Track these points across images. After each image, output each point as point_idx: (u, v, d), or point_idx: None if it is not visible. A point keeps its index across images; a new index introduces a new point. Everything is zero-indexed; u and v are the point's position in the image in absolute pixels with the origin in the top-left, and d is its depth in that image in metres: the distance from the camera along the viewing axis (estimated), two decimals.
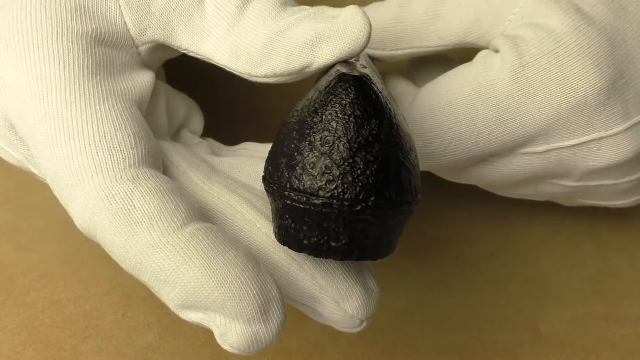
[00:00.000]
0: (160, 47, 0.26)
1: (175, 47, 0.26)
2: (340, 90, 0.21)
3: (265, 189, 0.22)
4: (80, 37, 0.24)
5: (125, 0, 0.25)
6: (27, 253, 0.33)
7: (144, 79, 0.25)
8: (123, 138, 0.23)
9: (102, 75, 0.24)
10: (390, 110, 0.21)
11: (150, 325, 0.32)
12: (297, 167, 0.20)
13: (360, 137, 0.20)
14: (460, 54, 0.32)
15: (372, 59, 0.32)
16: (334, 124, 0.20)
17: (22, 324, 0.31)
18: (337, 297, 0.23)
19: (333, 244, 0.21)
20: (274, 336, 0.22)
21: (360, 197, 0.20)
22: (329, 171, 0.20)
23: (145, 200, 0.22)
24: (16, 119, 0.24)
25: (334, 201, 0.20)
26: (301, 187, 0.20)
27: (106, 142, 0.22)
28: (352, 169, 0.20)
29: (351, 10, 0.23)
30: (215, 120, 0.32)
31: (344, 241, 0.21)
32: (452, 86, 0.28)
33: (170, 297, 0.22)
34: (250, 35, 0.24)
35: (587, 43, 0.27)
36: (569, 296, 0.34)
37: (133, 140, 0.23)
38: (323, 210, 0.20)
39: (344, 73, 0.21)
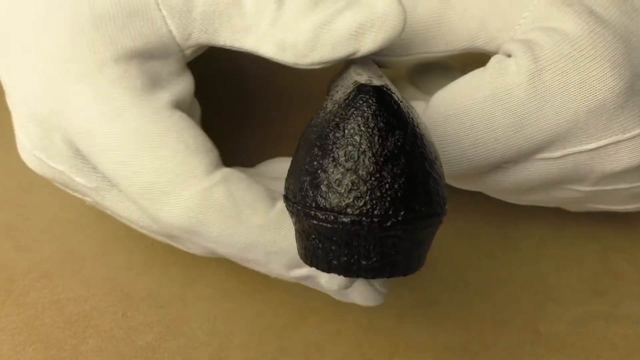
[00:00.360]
0: (203, 46, 0.27)
1: (218, 46, 0.27)
2: (361, 102, 0.20)
3: (287, 209, 0.22)
4: (133, 56, 0.25)
5: (168, 10, 0.25)
6: (27, 253, 0.33)
7: (188, 84, 0.27)
8: (202, 143, 0.26)
9: (159, 88, 0.26)
10: (412, 119, 0.20)
11: (150, 325, 0.32)
12: (322, 186, 0.20)
13: (386, 150, 0.20)
14: (459, 61, 0.32)
15: (379, 65, 0.31)
16: (357, 138, 0.20)
17: (22, 324, 0.31)
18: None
19: (364, 262, 0.20)
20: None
21: (390, 212, 0.19)
22: (356, 187, 0.19)
23: (240, 192, 0.25)
24: (83, 139, 0.25)
25: (363, 218, 0.19)
26: (328, 206, 0.20)
27: (191, 149, 0.25)
28: (380, 184, 0.19)
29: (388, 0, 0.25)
30: (212, 120, 0.32)
31: (374, 259, 0.20)
32: (467, 92, 0.28)
33: (281, 264, 0.26)
34: (294, 29, 0.25)
35: (603, 46, 0.27)
36: (569, 296, 0.34)
37: (209, 144, 0.26)
38: (352, 229, 0.20)
39: (362, 84, 0.20)
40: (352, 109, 0.20)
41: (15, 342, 0.31)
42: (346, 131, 0.20)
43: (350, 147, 0.20)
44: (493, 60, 0.29)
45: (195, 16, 0.26)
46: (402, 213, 0.20)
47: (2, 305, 0.32)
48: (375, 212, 0.19)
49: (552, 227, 0.37)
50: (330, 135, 0.20)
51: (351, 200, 0.19)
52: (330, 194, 0.20)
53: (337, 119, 0.20)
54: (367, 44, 0.25)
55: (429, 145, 0.21)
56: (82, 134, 0.25)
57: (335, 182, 0.20)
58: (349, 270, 0.20)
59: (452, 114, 0.28)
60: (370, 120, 0.20)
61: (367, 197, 0.19)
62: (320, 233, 0.20)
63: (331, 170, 0.20)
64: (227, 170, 0.26)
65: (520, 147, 0.28)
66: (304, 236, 0.21)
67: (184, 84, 0.27)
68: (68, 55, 0.25)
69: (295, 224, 0.22)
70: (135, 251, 0.34)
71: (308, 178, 0.20)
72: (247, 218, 0.25)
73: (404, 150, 0.20)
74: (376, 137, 0.20)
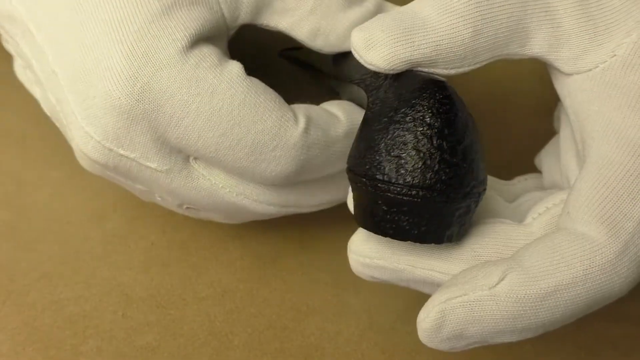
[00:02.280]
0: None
1: (257, 25, 0.30)
2: (433, 91, 0.24)
3: (354, 181, 0.25)
4: (201, 38, 0.27)
5: None
6: (27, 253, 0.33)
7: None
8: (279, 96, 0.28)
9: (228, 62, 0.28)
10: (468, 111, 0.25)
11: (150, 325, 0.32)
12: (408, 165, 0.23)
13: (458, 134, 0.24)
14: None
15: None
16: (433, 121, 0.23)
17: (22, 324, 0.31)
18: None
19: (423, 228, 0.24)
20: None
21: (468, 189, 0.24)
22: (445, 166, 0.23)
23: (320, 118, 0.29)
24: (177, 122, 0.26)
25: (449, 193, 0.24)
26: (417, 183, 0.23)
27: (279, 103, 0.27)
28: (462, 164, 0.24)
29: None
30: None
31: (428, 226, 0.24)
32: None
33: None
34: (331, 20, 0.29)
35: None
36: None
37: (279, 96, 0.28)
38: (440, 203, 0.24)
39: (431, 78, 0.24)
40: (426, 97, 0.24)
41: (15, 342, 0.31)
42: (424, 119, 0.24)
43: (425, 129, 0.24)
44: (564, 223, 0.25)
45: (243, 0, 0.29)
46: (476, 189, 0.24)
47: (2, 305, 0.32)
48: (457, 188, 0.24)
49: None
50: (403, 119, 0.24)
51: (439, 177, 0.23)
52: (417, 173, 0.23)
53: (413, 103, 0.24)
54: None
55: (477, 129, 0.25)
56: (175, 117, 0.26)
57: (407, 161, 0.23)
58: (407, 235, 0.24)
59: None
60: (443, 106, 0.24)
61: (453, 175, 0.24)
62: (409, 208, 0.24)
63: (414, 152, 0.23)
64: (300, 109, 0.28)
65: None
66: (365, 204, 0.25)
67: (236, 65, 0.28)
68: (148, 46, 0.26)
69: (357, 192, 0.25)
70: (135, 251, 0.34)
71: (394, 159, 0.24)
72: (335, 135, 0.28)
73: (471, 134, 0.24)
74: (451, 121, 0.24)
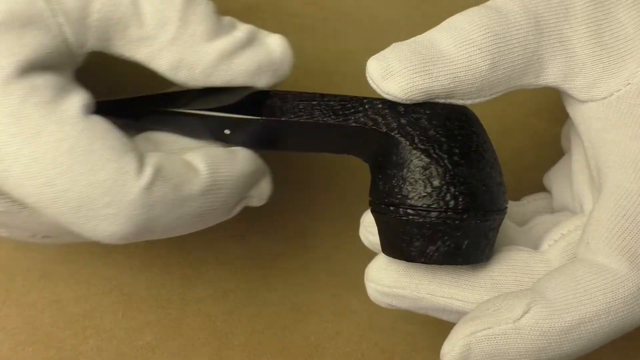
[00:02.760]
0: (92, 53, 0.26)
1: (111, 54, 0.26)
2: (453, 117, 0.25)
3: (379, 213, 0.25)
4: (35, 67, 0.24)
5: (64, 17, 0.24)
6: (27, 253, 0.33)
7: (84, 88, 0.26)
8: (125, 141, 0.25)
9: (68, 96, 0.24)
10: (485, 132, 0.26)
11: (150, 325, 0.32)
12: (433, 191, 0.24)
13: (480, 154, 0.24)
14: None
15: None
16: (454, 146, 0.24)
17: (22, 324, 0.31)
18: None
19: (478, 251, 0.25)
20: None
21: (496, 207, 0.25)
22: (470, 187, 0.24)
23: (172, 170, 0.25)
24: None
25: (477, 213, 0.24)
26: (444, 206, 0.24)
27: (119, 151, 0.24)
28: (487, 182, 0.24)
29: (284, 43, 0.27)
30: None
31: (455, 245, 0.24)
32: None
33: (223, 210, 0.27)
34: (195, 52, 0.26)
35: None
36: None
37: (126, 137, 0.25)
38: (465, 222, 0.24)
39: (456, 105, 0.25)
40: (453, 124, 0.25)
41: (15, 342, 0.31)
42: (440, 142, 0.24)
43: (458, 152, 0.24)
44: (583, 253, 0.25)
45: (91, 23, 0.25)
46: (498, 207, 0.25)
47: (2, 305, 0.32)
48: (481, 208, 0.24)
49: None
50: (423, 146, 0.24)
51: (464, 199, 0.24)
52: (426, 195, 0.24)
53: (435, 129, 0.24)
54: (260, 83, 0.26)
55: (493, 148, 0.26)
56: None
57: (433, 185, 0.24)
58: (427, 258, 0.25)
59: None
60: (463, 129, 0.25)
61: (482, 196, 0.24)
62: (417, 227, 0.24)
63: (450, 175, 0.24)
64: (152, 157, 0.25)
65: None
66: (394, 233, 0.25)
67: (83, 88, 0.25)
68: None
69: (383, 222, 0.25)
70: (135, 251, 0.34)
71: (407, 184, 0.24)
72: (189, 192, 0.25)
73: (490, 157, 0.25)
74: (474, 143, 0.25)
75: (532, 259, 0.26)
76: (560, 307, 0.23)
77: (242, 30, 0.27)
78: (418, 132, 0.24)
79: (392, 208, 0.24)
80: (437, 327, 0.32)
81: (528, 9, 0.25)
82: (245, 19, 0.31)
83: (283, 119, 0.25)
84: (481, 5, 0.26)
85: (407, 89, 0.24)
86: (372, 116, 0.25)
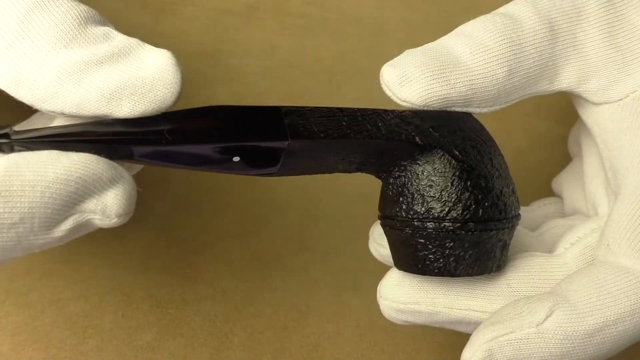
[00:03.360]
0: None
1: None
2: (476, 124, 0.25)
3: (390, 227, 0.25)
4: None
5: None
6: (27, 253, 0.33)
7: None
8: None
9: None
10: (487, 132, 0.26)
11: (150, 325, 0.32)
12: (441, 202, 0.24)
13: (494, 164, 0.24)
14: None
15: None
16: (463, 157, 0.24)
17: (22, 323, 0.31)
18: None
19: (491, 261, 0.25)
20: None
21: (509, 215, 0.24)
22: (482, 197, 0.24)
23: None
24: None
25: (490, 222, 0.24)
26: (454, 216, 0.23)
27: None
28: (497, 192, 0.24)
29: (163, 61, 0.21)
30: None
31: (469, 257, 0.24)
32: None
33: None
34: (37, 64, 0.21)
35: None
36: None
37: None
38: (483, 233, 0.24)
39: (467, 114, 0.25)
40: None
41: (15, 342, 0.31)
42: (449, 155, 0.24)
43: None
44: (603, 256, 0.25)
45: None
46: (510, 216, 0.25)
47: (2, 305, 0.32)
48: (477, 217, 0.24)
49: None
50: (429, 159, 0.24)
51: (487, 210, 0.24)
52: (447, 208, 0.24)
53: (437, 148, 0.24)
54: (122, 112, 0.21)
55: (500, 154, 0.26)
56: None
57: (442, 197, 0.24)
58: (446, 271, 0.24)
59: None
60: (468, 144, 0.24)
61: (504, 209, 0.24)
62: (427, 239, 0.24)
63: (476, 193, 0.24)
64: None
65: None
66: (406, 247, 0.24)
67: None
68: None
69: (394, 236, 0.25)
70: (135, 251, 0.34)
71: (415, 197, 0.24)
72: None
73: (501, 169, 0.25)
74: (478, 157, 0.24)
75: (548, 263, 0.26)
76: (584, 310, 0.23)
77: (112, 42, 0.22)
78: (437, 141, 0.24)
79: (398, 221, 0.24)
80: (437, 326, 0.32)
81: (542, 14, 0.25)
82: (245, 19, 0.31)
83: (313, 139, 0.22)
84: (493, 13, 0.25)
85: (424, 95, 0.24)
86: (395, 127, 0.23)
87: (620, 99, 0.25)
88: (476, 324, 0.25)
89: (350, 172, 0.25)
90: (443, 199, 0.23)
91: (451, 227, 0.23)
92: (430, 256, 0.24)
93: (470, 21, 0.25)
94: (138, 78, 0.21)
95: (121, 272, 0.33)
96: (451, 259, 0.24)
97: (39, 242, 0.21)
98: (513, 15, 0.25)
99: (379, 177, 0.25)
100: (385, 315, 0.26)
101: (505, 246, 0.25)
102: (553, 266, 0.26)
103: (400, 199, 0.24)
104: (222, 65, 0.36)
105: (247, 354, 0.31)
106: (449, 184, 0.23)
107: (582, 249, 0.26)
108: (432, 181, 0.24)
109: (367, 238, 0.28)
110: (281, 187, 0.35)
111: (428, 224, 0.23)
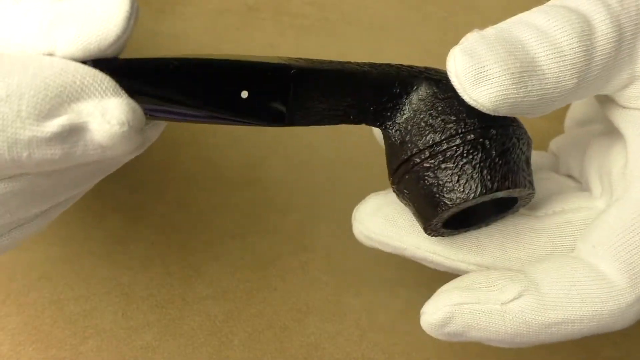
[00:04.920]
0: None
1: None
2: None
3: (411, 175, 0.24)
4: None
5: None
6: (27, 253, 0.33)
7: None
8: None
9: None
10: None
11: (150, 325, 0.32)
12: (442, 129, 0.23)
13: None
14: None
15: None
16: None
17: (22, 323, 0.31)
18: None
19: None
20: None
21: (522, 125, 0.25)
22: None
23: None
24: None
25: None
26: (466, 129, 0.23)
27: None
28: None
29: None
30: None
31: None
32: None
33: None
34: None
35: None
36: None
37: None
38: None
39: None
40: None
41: (15, 342, 0.31)
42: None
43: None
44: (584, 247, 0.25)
45: None
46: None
47: (2, 305, 0.32)
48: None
49: None
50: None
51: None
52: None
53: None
54: (64, 43, 0.19)
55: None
56: None
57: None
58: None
59: None
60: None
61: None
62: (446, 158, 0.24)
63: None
64: None
65: None
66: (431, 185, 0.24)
67: None
68: None
69: (417, 181, 0.24)
70: (135, 251, 0.34)
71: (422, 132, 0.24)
72: None
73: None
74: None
75: (522, 224, 0.26)
76: (549, 303, 0.23)
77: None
78: (425, 70, 0.24)
79: (425, 155, 0.23)
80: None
81: (614, 19, 0.22)
82: (246, 19, 0.31)
83: (316, 67, 0.22)
84: (565, 7, 0.23)
85: (498, 100, 0.21)
86: (385, 66, 0.24)
87: None
88: (439, 266, 0.26)
89: (354, 121, 0.24)
90: (458, 116, 0.23)
91: (474, 137, 0.23)
92: (462, 179, 0.23)
93: (542, 9, 0.23)
94: (80, 1, 0.19)
95: (121, 272, 0.33)
96: (484, 172, 0.23)
97: (26, 135, 0.18)
98: (587, 15, 0.22)
99: (382, 127, 0.25)
100: (355, 236, 0.27)
101: (528, 162, 0.25)
102: (525, 228, 0.26)
103: (412, 136, 0.24)
104: None
105: (247, 354, 0.31)
106: (455, 102, 0.23)
107: (563, 222, 0.26)
108: (437, 106, 0.23)
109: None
110: (281, 187, 0.35)
111: (451, 143, 0.23)
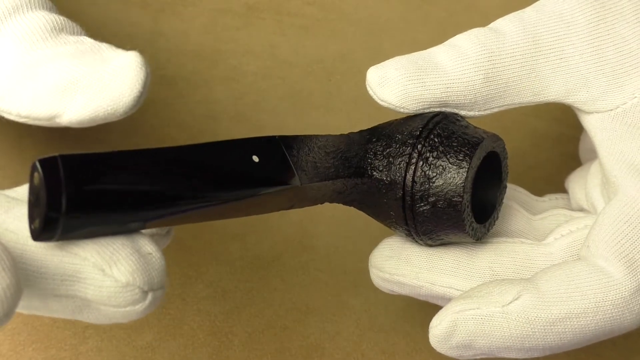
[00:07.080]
0: None
1: None
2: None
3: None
4: None
5: None
6: None
7: None
8: None
9: None
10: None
11: (150, 325, 0.32)
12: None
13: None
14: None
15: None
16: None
17: (22, 323, 0.31)
18: (101, 264, 0.20)
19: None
20: None
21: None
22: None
23: None
24: None
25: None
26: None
27: None
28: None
29: (128, 58, 0.20)
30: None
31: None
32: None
33: None
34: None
35: None
36: None
37: None
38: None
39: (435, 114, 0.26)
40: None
41: (15, 342, 0.31)
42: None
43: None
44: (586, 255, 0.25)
45: None
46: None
47: None
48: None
49: None
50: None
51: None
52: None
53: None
54: (75, 108, 0.20)
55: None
56: None
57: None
58: None
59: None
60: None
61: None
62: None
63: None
64: None
65: None
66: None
67: None
68: None
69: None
70: None
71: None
72: None
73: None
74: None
75: (533, 251, 0.26)
76: (549, 299, 0.24)
77: (82, 45, 0.21)
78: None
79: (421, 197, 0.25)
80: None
81: (527, 29, 0.26)
82: (245, 19, 0.31)
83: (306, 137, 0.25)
84: (482, 27, 0.27)
85: (400, 95, 0.25)
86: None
87: (611, 110, 0.26)
88: None
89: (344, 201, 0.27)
90: (403, 142, 0.25)
91: (422, 142, 0.25)
92: (446, 175, 0.25)
93: (460, 34, 0.27)
94: (96, 72, 0.20)
95: None
96: (450, 156, 0.25)
97: None
98: (499, 29, 0.26)
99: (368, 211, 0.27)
100: (373, 282, 0.28)
101: (468, 125, 0.26)
102: (537, 254, 0.26)
103: (393, 174, 0.25)
104: (222, 65, 0.36)
105: (247, 354, 0.31)
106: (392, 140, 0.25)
107: (571, 242, 0.26)
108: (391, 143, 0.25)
109: (367, 238, 0.28)
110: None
111: (417, 161, 0.25)
